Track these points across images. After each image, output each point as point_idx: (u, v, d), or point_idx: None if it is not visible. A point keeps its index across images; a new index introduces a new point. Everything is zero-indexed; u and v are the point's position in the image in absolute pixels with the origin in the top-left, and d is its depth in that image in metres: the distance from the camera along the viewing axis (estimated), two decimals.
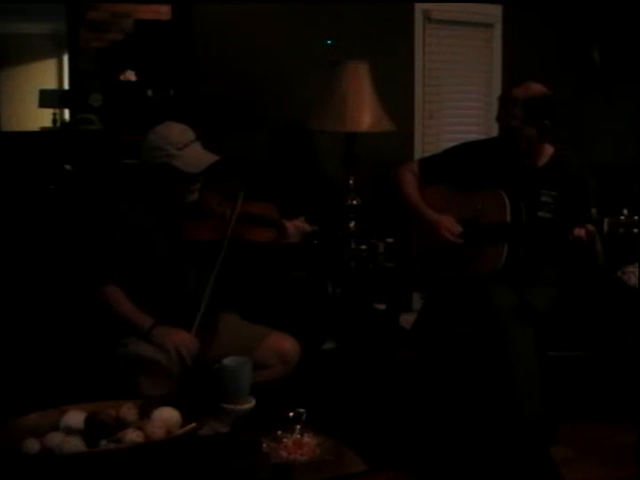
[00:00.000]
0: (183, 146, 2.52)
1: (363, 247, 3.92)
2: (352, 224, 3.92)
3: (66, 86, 3.85)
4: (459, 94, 4.59)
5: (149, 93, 3.79)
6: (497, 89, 4.43)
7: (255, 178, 2.74)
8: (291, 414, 2.04)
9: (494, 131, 3.18)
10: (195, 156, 2.54)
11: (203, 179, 2.59)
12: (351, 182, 3.92)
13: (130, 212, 2.55)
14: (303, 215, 2.84)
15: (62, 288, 3.28)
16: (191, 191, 2.58)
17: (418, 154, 4.33)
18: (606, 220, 2.62)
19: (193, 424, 1.91)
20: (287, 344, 2.67)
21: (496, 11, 4.59)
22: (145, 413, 1.95)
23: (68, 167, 3.60)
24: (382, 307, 3.97)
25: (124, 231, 2.51)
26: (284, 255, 2.88)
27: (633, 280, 3.58)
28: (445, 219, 3.08)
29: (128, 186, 2.66)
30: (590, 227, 2.63)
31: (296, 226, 2.77)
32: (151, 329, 2.45)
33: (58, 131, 3.84)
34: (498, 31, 4.61)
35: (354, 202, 3.91)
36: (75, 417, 1.93)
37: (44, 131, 3.85)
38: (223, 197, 2.70)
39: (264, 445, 1.94)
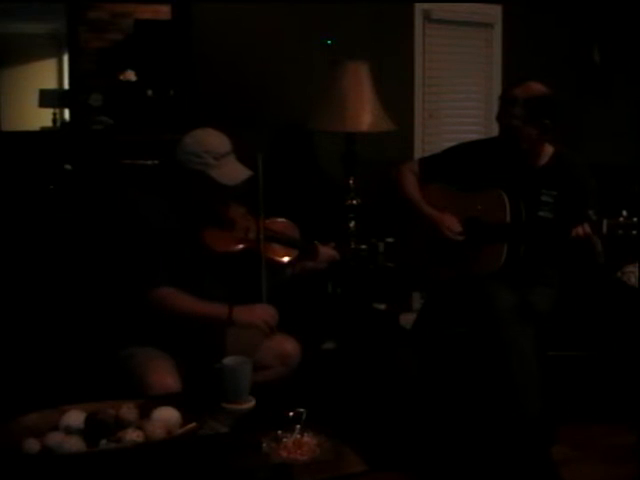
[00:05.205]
0: (220, 156, 2.47)
1: (363, 247, 3.92)
2: (352, 224, 3.92)
3: (66, 86, 3.84)
4: (459, 94, 4.59)
5: (149, 93, 3.79)
6: (497, 89, 4.43)
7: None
8: (291, 414, 2.04)
9: (494, 131, 3.18)
10: (231, 168, 2.50)
11: (234, 192, 2.55)
12: (351, 182, 3.93)
13: (157, 214, 2.49)
14: (334, 241, 2.83)
15: (74, 290, 3.29)
16: (220, 202, 2.56)
17: (418, 154, 4.33)
18: (605, 221, 2.62)
19: (193, 424, 1.91)
20: (287, 344, 2.66)
21: (496, 11, 4.60)
22: (145, 413, 1.95)
23: (68, 167, 3.59)
24: (382, 307, 3.97)
25: (156, 233, 2.47)
26: (307, 278, 2.87)
27: (633, 280, 3.59)
28: (447, 217, 3.08)
29: (155, 188, 2.62)
30: (587, 228, 2.63)
31: (327, 253, 2.77)
32: (231, 312, 2.44)
33: (58, 131, 3.84)
34: (498, 31, 4.61)
35: (354, 202, 3.91)
36: (75, 417, 1.92)
37: (44, 131, 3.85)
38: (247, 210, 2.65)
39: (264, 445, 1.94)
